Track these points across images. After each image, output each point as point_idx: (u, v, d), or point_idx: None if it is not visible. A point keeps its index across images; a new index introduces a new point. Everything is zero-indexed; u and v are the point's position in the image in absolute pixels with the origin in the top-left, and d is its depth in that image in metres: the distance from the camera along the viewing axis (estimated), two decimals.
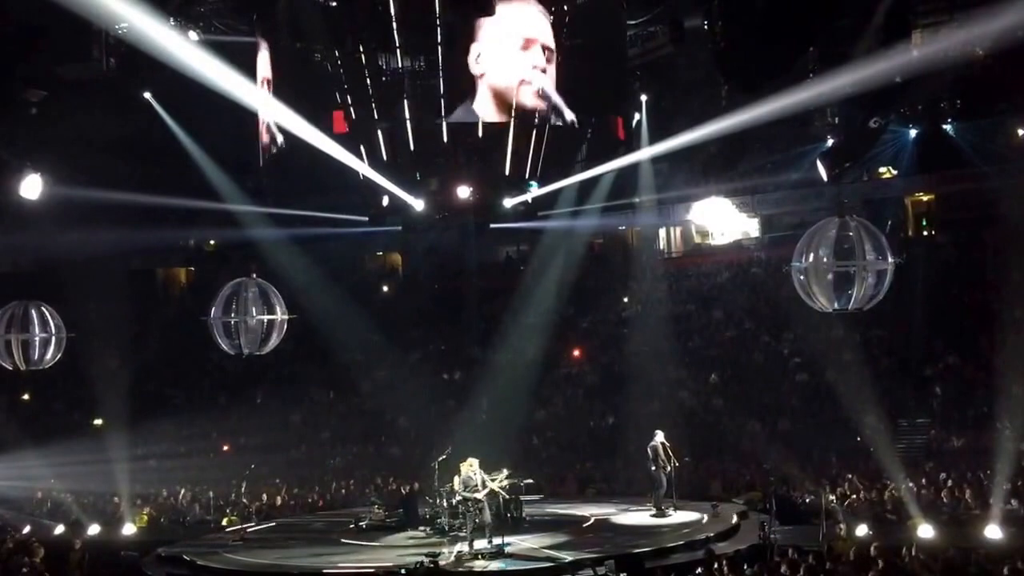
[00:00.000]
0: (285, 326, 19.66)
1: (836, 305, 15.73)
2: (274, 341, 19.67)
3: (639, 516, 18.31)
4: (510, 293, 30.52)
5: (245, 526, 19.79)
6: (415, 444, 25.79)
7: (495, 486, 16.12)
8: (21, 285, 29.10)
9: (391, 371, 29.23)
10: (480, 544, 15.61)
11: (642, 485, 21.25)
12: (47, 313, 19.78)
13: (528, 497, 18.59)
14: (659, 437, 18.28)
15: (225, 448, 23.70)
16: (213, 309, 19.47)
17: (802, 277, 15.95)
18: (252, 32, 20.29)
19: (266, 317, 19.29)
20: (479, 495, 15.76)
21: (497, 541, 15.64)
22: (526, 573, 14.73)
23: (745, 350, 27.77)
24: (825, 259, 15.55)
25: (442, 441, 25.73)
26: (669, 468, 17.99)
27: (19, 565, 15.33)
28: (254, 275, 19.40)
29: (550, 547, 16.11)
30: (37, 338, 19.67)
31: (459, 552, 15.56)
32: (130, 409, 25.74)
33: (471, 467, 16.08)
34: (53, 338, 19.80)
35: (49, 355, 19.91)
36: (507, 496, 18.13)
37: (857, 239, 15.49)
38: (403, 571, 14.32)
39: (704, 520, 17.48)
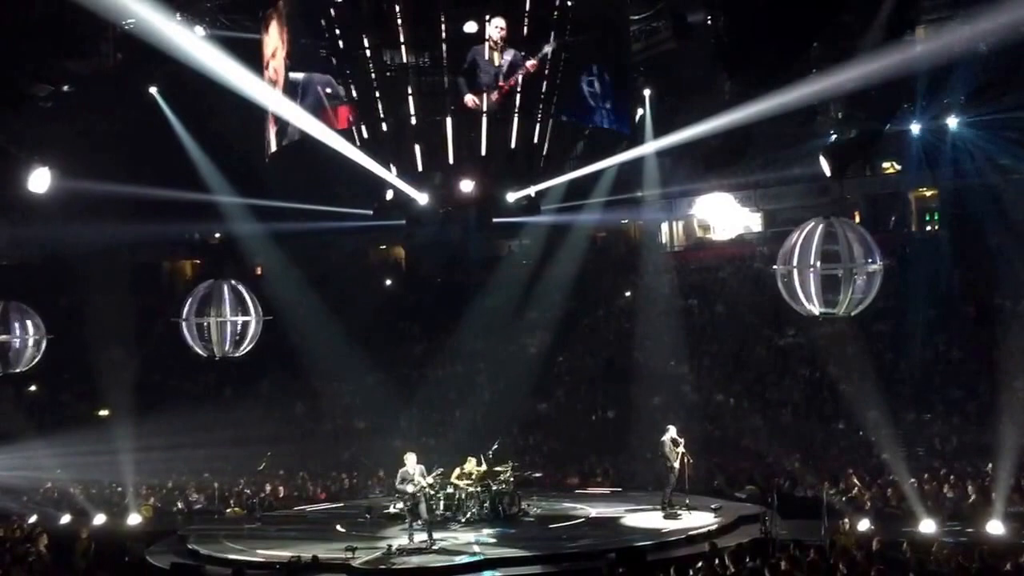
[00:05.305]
0: (260, 328, 19.35)
1: (823, 309, 15.44)
2: (248, 343, 19.31)
3: (647, 516, 18.22)
4: (506, 288, 30.59)
5: (254, 515, 19.93)
6: (417, 436, 25.88)
7: (427, 482, 16.25)
8: (28, 278, 29.40)
9: (394, 364, 29.32)
10: (419, 538, 15.92)
11: (644, 479, 21.43)
12: (27, 315, 19.68)
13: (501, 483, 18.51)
14: (670, 432, 18.24)
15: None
16: (185, 310, 19.16)
17: (786, 280, 15.71)
18: (258, 28, 20.34)
19: (240, 318, 19.02)
20: (408, 488, 15.94)
21: (422, 536, 15.91)
22: (444, 569, 14.92)
23: (747, 344, 27.83)
24: (811, 262, 15.28)
25: (445, 434, 26.13)
26: (678, 466, 17.93)
27: (26, 553, 15.50)
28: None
29: (548, 543, 16.30)
30: (16, 340, 19.56)
31: (394, 546, 15.76)
32: (136, 400, 25.89)
33: (410, 461, 16.26)
34: (31, 339, 19.70)
35: (26, 357, 19.81)
36: (505, 490, 18.32)
37: (843, 241, 15.18)
38: (277, 566, 14.47)
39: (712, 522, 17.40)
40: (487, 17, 18.66)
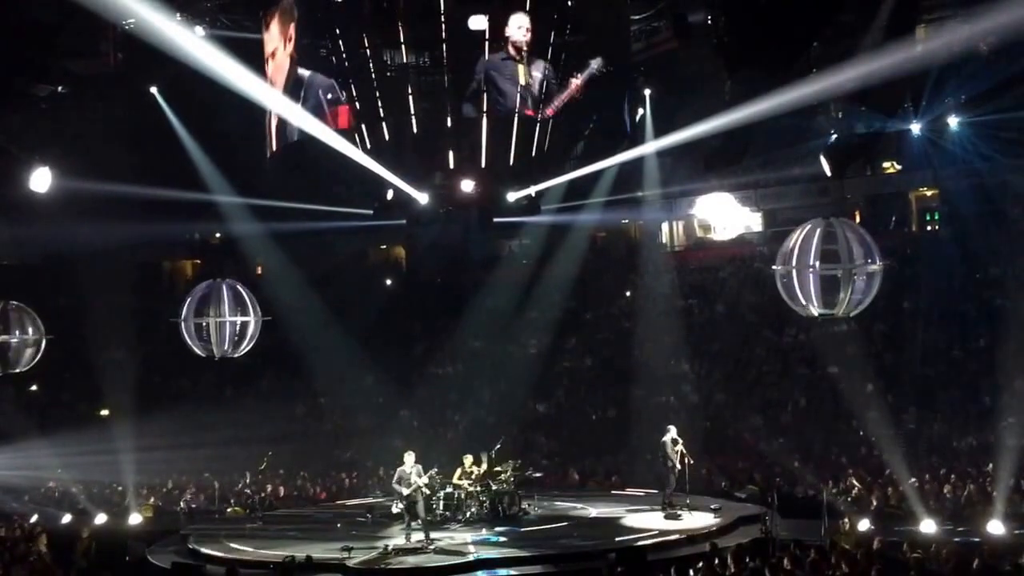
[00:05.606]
0: (259, 328, 19.29)
1: (822, 310, 15.36)
2: (247, 343, 19.27)
3: (647, 516, 18.21)
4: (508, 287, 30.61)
5: (255, 515, 19.95)
6: (418, 436, 25.89)
7: (422, 482, 16.27)
8: (28, 278, 29.42)
9: (394, 364, 29.32)
10: (416, 538, 15.99)
11: (645, 479, 21.44)
12: (26, 315, 19.68)
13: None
14: (670, 433, 18.21)
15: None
16: (184, 310, 19.10)
17: (786, 280, 15.56)
18: (259, 27, 20.37)
19: (239, 319, 18.95)
20: (404, 490, 16.03)
21: (420, 536, 15.97)
22: (440, 569, 14.93)
23: (747, 344, 27.84)
24: (810, 262, 15.15)
25: (445, 434, 26.15)
26: (679, 466, 17.91)
27: (26, 553, 15.50)
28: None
29: (548, 543, 16.30)
30: (16, 340, 19.55)
31: (390, 546, 15.80)
32: (136, 400, 25.90)
33: (408, 460, 16.34)
34: (31, 339, 19.67)
35: (26, 357, 19.80)
36: (505, 489, 18.32)
37: (843, 241, 15.07)
38: (271, 566, 14.49)
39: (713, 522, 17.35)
40: (485, 13, 17.25)
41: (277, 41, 20.17)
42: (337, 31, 19.24)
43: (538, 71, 17.13)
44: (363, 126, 19.86)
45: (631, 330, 29.04)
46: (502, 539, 16.80)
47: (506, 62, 17.35)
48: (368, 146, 20.02)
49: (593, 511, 19.19)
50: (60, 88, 18.71)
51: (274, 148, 21.46)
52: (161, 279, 36.82)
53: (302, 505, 22.32)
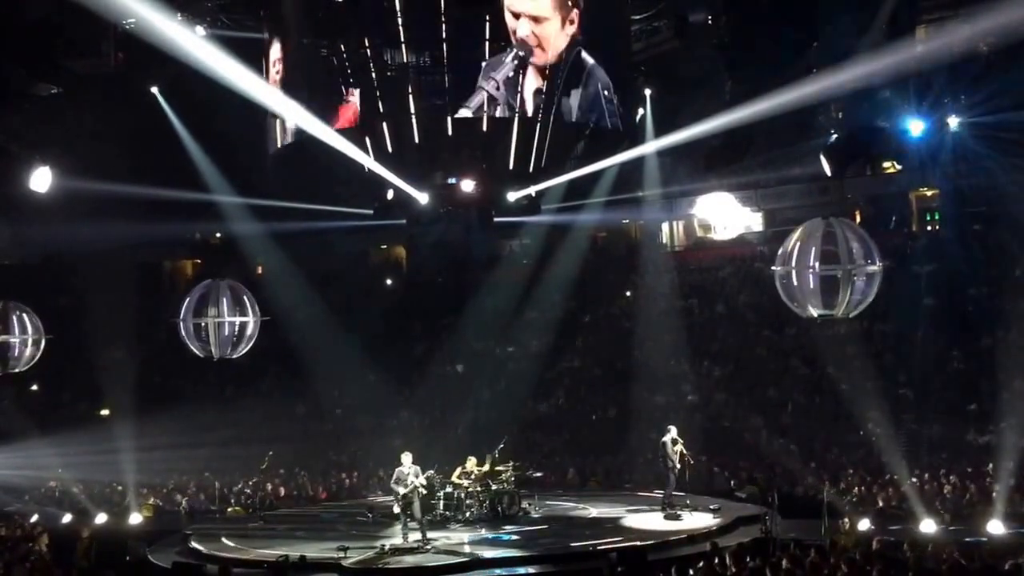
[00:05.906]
0: (258, 328, 19.31)
1: (821, 310, 15.29)
2: (246, 344, 19.29)
3: (647, 516, 18.20)
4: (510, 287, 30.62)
5: (256, 515, 19.96)
6: (418, 436, 25.91)
7: (419, 482, 16.26)
8: (28, 278, 29.42)
9: (394, 364, 29.33)
10: (413, 538, 16.00)
11: (645, 479, 21.45)
12: (26, 315, 19.71)
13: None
14: (670, 433, 18.21)
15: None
16: (183, 310, 19.13)
17: (785, 281, 15.54)
18: (259, 27, 20.40)
19: (238, 319, 18.95)
20: (401, 489, 16.03)
21: (417, 536, 15.98)
22: (437, 569, 14.95)
23: (747, 344, 27.84)
24: (810, 263, 15.12)
25: (445, 434, 26.15)
26: (679, 466, 17.90)
27: (27, 552, 15.50)
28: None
29: (548, 543, 16.30)
30: (16, 340, 19.57)
31: (387, 545, 15.80)
32: (136, 400, 25.91)
33: (406, 460, 16.36)
34: (31, 339, 19.71)
35: (26, 357, 19.83)
36: (505, 489, 18.33)
37: (842, 242, 15.03)
38: (265, 565, 14.52)
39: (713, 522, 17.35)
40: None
41: (275, 53, 20.25)
42: (337, 31, 19.25)
43: (575, 96, 16.61)
44: (363, 126, 19.87)
45: (631, 330, 29.04)
46: (501, 539, 16.81)
47: (519, 69, 16.91)
48: (368, 146, 20.04)
49: (593, 511, 19.20)
50: (60, 88, 18.72)
51: (274, 148, 21.47)
52: (161, 279, 36.78)
53: (302, 505, 22.33)
